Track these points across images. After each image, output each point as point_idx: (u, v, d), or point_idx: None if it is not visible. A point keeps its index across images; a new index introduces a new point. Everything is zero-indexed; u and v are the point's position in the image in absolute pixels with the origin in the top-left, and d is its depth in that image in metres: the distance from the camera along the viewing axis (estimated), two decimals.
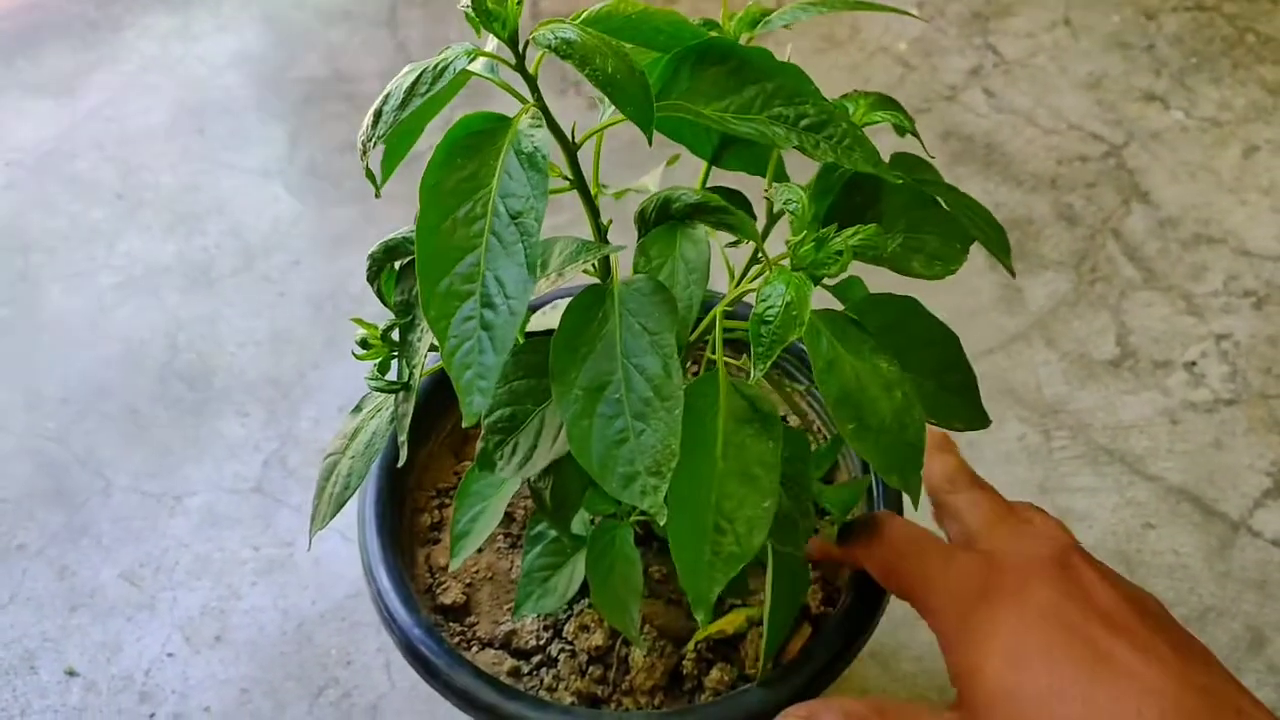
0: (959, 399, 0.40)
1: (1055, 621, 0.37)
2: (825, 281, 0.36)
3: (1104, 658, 0.36)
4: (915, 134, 0.41)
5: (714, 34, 0.39)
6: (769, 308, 0.34)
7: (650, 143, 0.33)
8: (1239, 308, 0.82)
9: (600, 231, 0.39)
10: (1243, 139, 0.94)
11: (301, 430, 0.77)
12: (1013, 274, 0.41)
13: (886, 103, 0.41)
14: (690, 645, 0.48)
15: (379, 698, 0.64)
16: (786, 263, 0.36)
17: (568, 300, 0.36)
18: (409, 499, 0.53)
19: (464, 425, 0.31)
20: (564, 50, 0.32)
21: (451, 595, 0.51)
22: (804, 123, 0.34)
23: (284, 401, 0.78)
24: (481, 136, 0.32)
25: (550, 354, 0.35)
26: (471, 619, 0.51)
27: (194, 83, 1.03)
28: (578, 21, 0.35)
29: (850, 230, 0.35)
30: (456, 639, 0.49)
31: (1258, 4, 1.06)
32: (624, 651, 0.48)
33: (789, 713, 0.41)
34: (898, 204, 0.39)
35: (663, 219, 0.37)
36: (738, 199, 0.40)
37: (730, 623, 0.48)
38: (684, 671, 0.48)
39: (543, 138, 0.32)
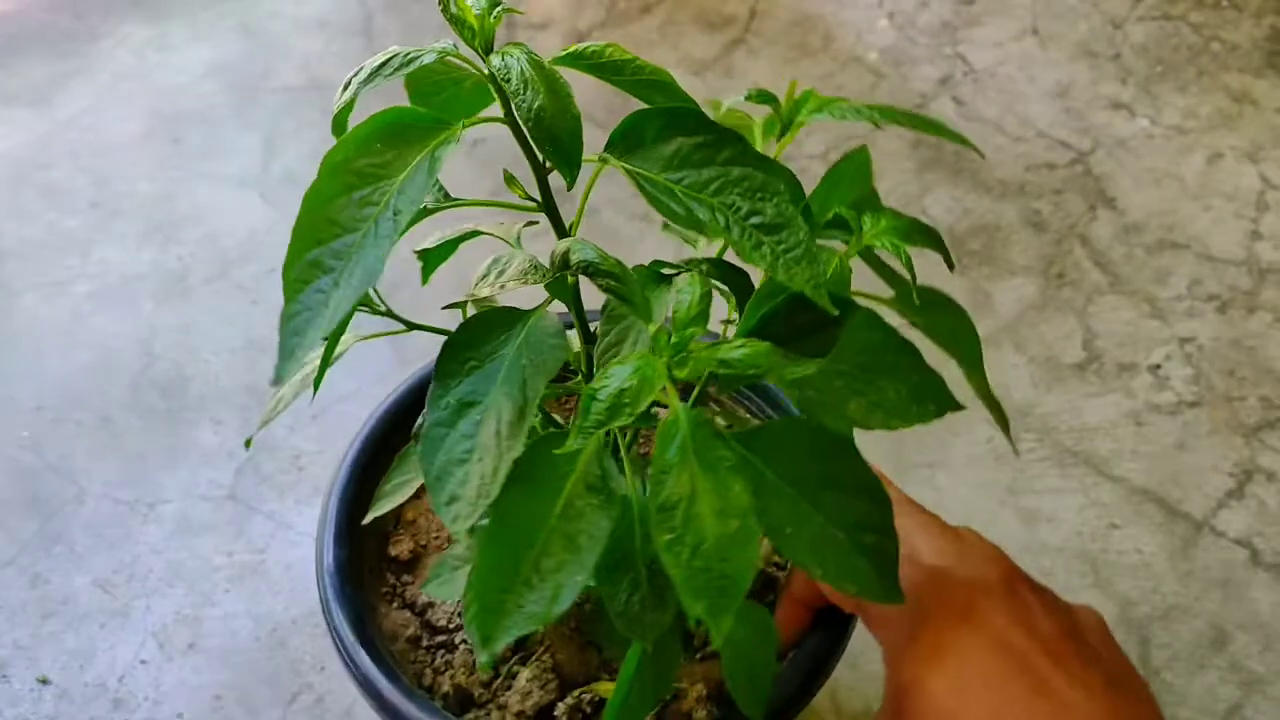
0: (869, 563, 0.34)
1: (1001, 648, 0.38)
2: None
3: (1043, 688, 0.37)
4: (918, 262, 0.36)
5: (762, 98, 0.37)
6: (605, 387, 0.32)
7: (570, 187, 0.33)
8: (1202, 311, 0.83)
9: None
10: (1207, 146, 0.95)
11: (275, 438, 0.77)
12: (1015, 450, 0.39)
13: (917, 233, 0.35)
14: (575, 693, 0.46)
15: (353, 702, 0.65)
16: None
17: None
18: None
19: (271, 384, 0.31)
20: (501, 74, 0.32)
21: (399, 549, 0.51)
22: (755, 220, 0.32)
23: (258, 409, 0.79)
24: (413, 130, 0.32)
25: (440, 356, 0.34)
26: (409, 578, 0.51)
27: (170, 92, 1.03)
28: (565, 54, 0.35)
29: (737, 341, 0.32)
30: (385, 589, 0.50)
31: (1223, 13, 1.07)
32: (516, 669, 0.48)
33: None
34: (862, 340, 0.34)
35: (564, 268, 0.36)
36: (740, 276, 0.38)
37: None
38: (555, 715, 0.46)
39: (451, 148, 0.32)
